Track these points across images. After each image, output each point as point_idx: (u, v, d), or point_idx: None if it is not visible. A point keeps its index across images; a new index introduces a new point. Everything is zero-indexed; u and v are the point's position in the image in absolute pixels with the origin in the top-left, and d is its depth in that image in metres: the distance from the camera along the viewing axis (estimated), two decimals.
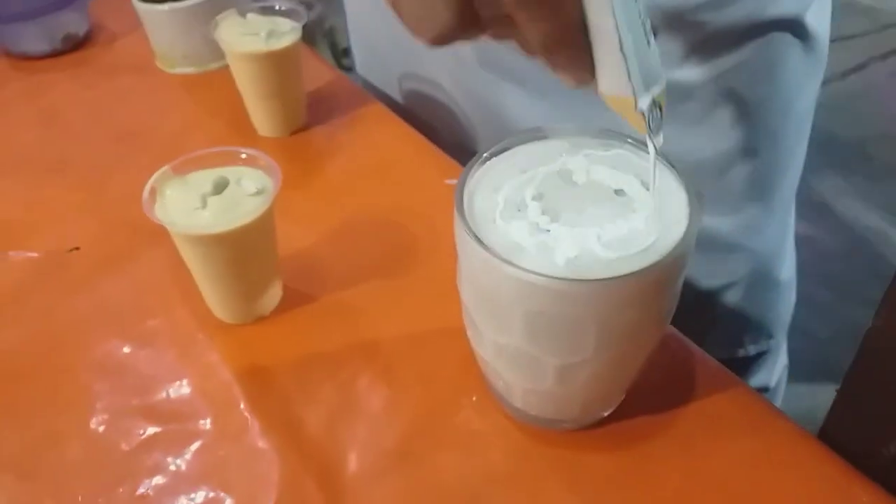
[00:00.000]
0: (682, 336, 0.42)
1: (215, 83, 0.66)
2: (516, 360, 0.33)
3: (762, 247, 0.60)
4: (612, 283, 0.28)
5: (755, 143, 0.54)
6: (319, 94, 0.63)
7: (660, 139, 0.29)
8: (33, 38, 0.71)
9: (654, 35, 0.27)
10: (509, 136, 0.34)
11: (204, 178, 0.41)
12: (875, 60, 1.96)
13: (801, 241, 0.67)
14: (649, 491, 0.36)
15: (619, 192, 0.31)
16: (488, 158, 0.34)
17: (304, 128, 0.60)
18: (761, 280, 0.62)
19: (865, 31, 2.04)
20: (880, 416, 0.37)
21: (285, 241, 0.45)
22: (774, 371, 0.70)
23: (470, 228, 0.30)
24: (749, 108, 0.53)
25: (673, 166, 0.32)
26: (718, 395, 0.39)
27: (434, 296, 0.45)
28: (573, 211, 0.31)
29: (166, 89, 0.67)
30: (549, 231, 0.30)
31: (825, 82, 0.58)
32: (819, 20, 0.52)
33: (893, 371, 0.35)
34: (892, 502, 0.35)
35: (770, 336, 0.67)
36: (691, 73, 0.50)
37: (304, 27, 0.55)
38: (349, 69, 0.72)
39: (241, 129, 0.60)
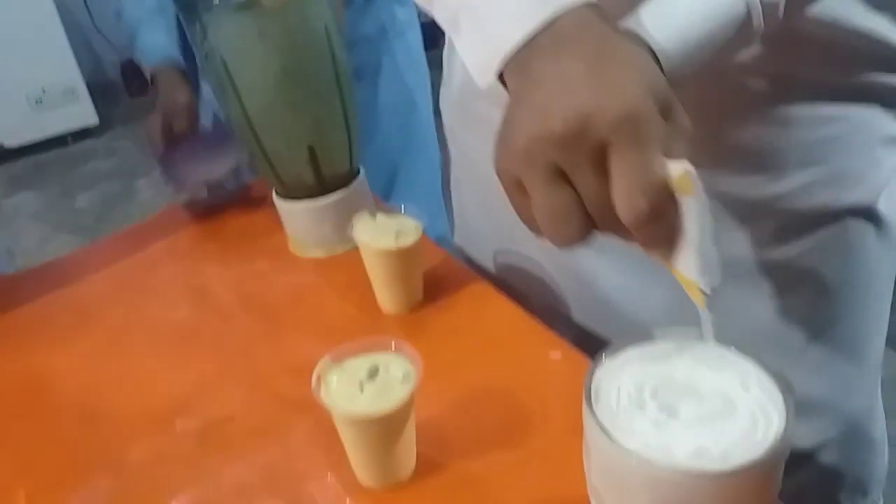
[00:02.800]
0: None
1: (342, 265, 0.76)
2: None
3: (852, 407, 0.63)
4: (725, 476, 0.34)
5: (838, 316, 0.59)
6: (434, 273, 0.72)
7: (708, 313, 0.39)
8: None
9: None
10: (621, 341, 0.41)
11: (359, 366, 0.49)
12: None
13: (893, 385, 0.69)
14: None
15: (722, 391, 0.38)
16: (607, 358, 0.41)
17: (421, 304, 0.69)
18: (853, 440, 0.64)
19: None
20: None
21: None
22: None
23: (601, 424, 0.37)
24: (828, 285, 0.58)
25: (767, 368, 0.39)
26: None
27: (550, 466, 0.51)
28: (686, 408, 0.37)
29: (300, 271, 0.77)
30: (667, 427, 0.36)
31: None
32: (892, 207, 0.58)
33: None
34: None
35: (865, 493, 0.68)
36: (774, 253, 0.56)
37: None
38: None
39: (366, 308, 0.69)
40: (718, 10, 0.42)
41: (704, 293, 0.38)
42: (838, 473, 0.65)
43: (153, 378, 0.66)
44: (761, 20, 0.42)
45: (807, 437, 0.63)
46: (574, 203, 0.36)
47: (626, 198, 0.34)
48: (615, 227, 0.37)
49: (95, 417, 0.63)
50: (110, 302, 0.78)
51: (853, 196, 0.56)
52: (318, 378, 0.49)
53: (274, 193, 0.78)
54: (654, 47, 0.40)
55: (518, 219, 0.69)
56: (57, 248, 2.15)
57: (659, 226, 0.36)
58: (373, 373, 0.49)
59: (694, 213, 0.35)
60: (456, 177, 0.79)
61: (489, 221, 0.75)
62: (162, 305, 0.76)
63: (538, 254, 0.70)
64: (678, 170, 0.35)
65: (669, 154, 0.36)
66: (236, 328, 0.71)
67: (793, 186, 0.54)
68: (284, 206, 0.77)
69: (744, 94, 0.51)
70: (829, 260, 0.57)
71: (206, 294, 0.77)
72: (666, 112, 0.36)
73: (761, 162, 0.54)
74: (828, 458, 0.64)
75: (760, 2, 0.42)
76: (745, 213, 0.56)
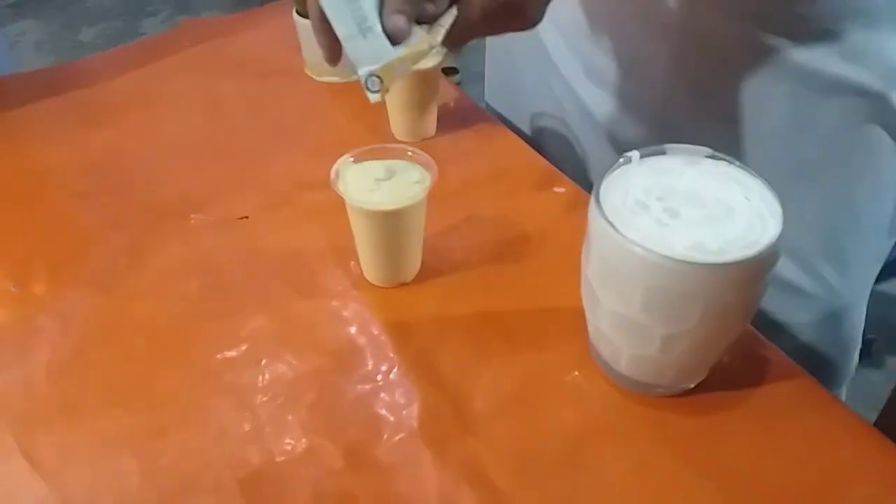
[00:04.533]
0: (757, 331, 0.50)
1: (357, 92, 0.76)
2: (629, 328, 0.42)
3: (836, 303, 0.64)
4: (718, 268, 0.37)
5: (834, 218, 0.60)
6: (446, 108, 0.73)
7: (376, 96, 0.43)
8: None
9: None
10: (636, 150, 0.43)
11: (377, 167, 0.51)
12: None
13: None
14: (722, 451, 0.44)
15: (724, 200, 0.40)
16: (620, 166, 0.43)
17: (433, 136, 0.70)
18: (830, 333, 0.66)
19: None
20: None
21: None
22: None
23: (605, 216, 0.39)
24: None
25: (768, 182, 0.41)
26: (786, 381, 0.47)
27: (542, 282, 0.55)
28: (688, 211, 0.39)
29: (314, 94, 0.77)
30: (668, 225, 0.39)
31: None
32: None
33: None
34: None
35: (839, 386, 0.71)
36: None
37: None
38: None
39: (379, 133, 0.70)
40: None
41: (367, 87, 0.43)
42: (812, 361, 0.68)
43: (166, 178, 0.68)
44: None
45: (786, 320, 0.65)
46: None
47: None
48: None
49: (106, 209, 0.64)
50: (121, 107, 0.77)
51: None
52: (337, 173, 0.51)
53: (295, 12, 0.77)
54: None
55: (545, 78, 0.69)
56: None
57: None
58: (389, 173, 0.51)
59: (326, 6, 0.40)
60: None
61: (521, 83, 0.75)
62: (175, 114, 0.76)
63: (564, 98, 0.70)
64: None
65: None
66: (249, 141, 0.72)
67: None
68: (304, 24, 0.76)
69: None
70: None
71: (220, 107, 0.77)
72: None
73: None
74: (804, 343, 0.66)
75: None
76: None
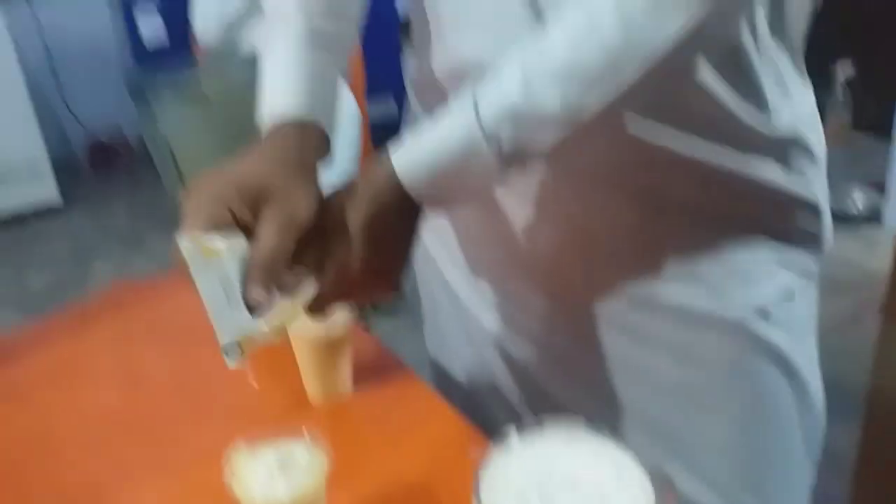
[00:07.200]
0: None
1: (273, 355, 0.77)
2: None
3: None
4: None
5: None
6: (364, 364, 0.74)
7: (234, 362, 0.44)
8: None
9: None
10: (510, 435, 0.44)
11: (270, 456, 0.51)
12: None
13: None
14: None
15: (598, 483, 0.40)
16: (500, 451, 0.43)
17: (349, 395, 0.70)
18: None
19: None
20: None
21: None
22: None
23: None
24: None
25: (644, 462, 0.41)
26: None
27: None
28: (564, 500, 0.39)
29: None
30: None
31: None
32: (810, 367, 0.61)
33: None
34: None
35: None
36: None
37: None
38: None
39: (296, 396, 0.70)
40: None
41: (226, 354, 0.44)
42: None
43: (73, 465, 0.66)
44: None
45: None
46: None
47: None
48: None
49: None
50: (42, 385, 0.77)
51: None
52: (231, 470, 0.50)
53: None
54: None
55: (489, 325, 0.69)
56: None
57: None
58: (283, 462, 0.51)
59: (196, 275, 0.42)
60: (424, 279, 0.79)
61: (458, 325, 0.75)
62: (93, 392, 0.76)
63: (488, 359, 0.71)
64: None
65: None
66: (165, 415, 0.71)
67: None
68: None
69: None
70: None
71: (140, 379, 0.77)
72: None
73: None
74: None
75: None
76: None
